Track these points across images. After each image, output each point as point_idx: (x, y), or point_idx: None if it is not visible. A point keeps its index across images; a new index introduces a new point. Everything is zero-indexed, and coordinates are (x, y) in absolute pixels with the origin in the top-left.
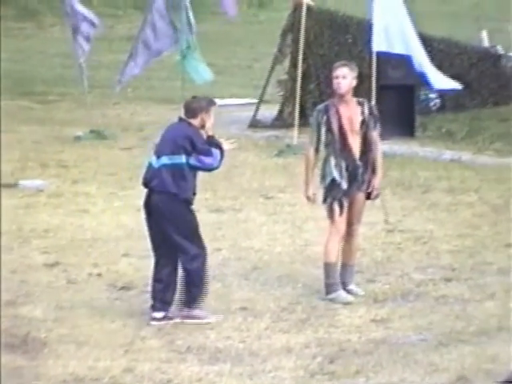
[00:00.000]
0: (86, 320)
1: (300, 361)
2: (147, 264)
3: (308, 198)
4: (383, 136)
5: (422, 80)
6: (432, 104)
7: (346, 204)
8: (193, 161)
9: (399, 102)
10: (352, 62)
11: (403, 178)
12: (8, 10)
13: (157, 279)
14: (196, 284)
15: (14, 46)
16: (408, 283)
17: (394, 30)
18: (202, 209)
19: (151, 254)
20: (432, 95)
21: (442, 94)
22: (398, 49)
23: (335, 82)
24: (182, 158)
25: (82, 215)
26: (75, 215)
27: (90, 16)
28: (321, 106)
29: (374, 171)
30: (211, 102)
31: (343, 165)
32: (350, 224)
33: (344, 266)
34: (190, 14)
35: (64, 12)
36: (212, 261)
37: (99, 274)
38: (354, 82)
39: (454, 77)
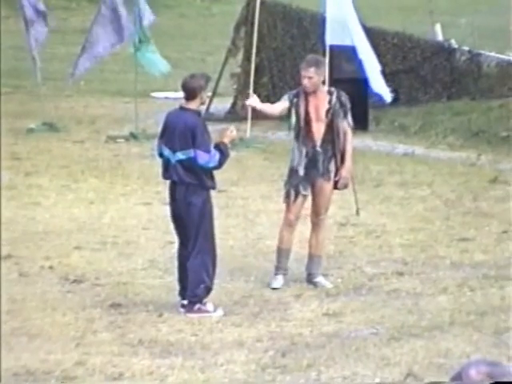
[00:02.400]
0: (38, 313)
1: (252, 354)
2: (99, 257)
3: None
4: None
5: (363, 76)
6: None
7: (303, 191)
8: (192, 153)
9: (352, 95)
10: (319, 57)
11: (356, 172)
12: None
13: (180, 267)
14: (203, 278)
15: None
16: (360, 277)
17: (346, 24)
18: (155, 202)
19: (103, 247)
20: None
21: (396, 87)
22: (350, 41)
23: (302, 81)
24: (191, 153)
25: (35, 208)
26: (27, 208)
27: (43, 10)
28: (293, 91)
29: (342, 161)
30: (208, 78)
31: (303, 151)
32: (316, 214)
33: (311, 256)
34: (146, 7)
35: (18, 4)
36: (164, 254)
37: (51, 267)
38: (322, 77)
39: (407, 71)
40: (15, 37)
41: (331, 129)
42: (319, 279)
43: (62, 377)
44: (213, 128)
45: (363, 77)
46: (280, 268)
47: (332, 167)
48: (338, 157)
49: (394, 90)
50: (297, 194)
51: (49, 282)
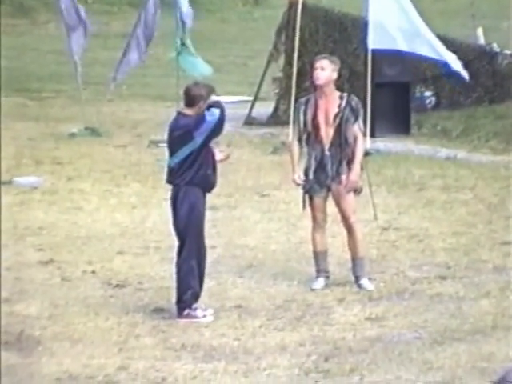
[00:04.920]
0: (81, 318)
1: (295, 359)
2: (142, 261)
3: (294, 181)
4: (379, 133)
5: (443, 65)
6: (427, 102)
7: (317, 194)
8: (194, 144)
9: (394, 99)
10: (334, 56)
11: (398, 176)
12: (2, 6)
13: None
14: (188, 284)
15: (8, 43)
16: (403, 281)
17: (390, 26)
18: None
19: (146, 251)
20: (427, 93)
21: (438, 91)
22: (394, 45)
23: (314, 73)
24: (189, 147)
25: (77, 212)
26: (70, 212)
27: (84, 15)
28: (302, 99)
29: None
30: (211, 90)
31: (313, 155)
32: (345, 219)
33: (353, 259)
34: (189, 11)
35: (59, 9)
36: (207, 258)
37: (94, 272)
38: (335, 75)
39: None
40: (56, 41)
41: (339, 133)
42: (363, 281)
43: (105, 381)
44: (255, 132)
45: (405, 81)
46: (320, 271)
47: (342, 170)
48: (348, 160)
49: (436, 94)
50: (311, 198)
51: (91, 287)
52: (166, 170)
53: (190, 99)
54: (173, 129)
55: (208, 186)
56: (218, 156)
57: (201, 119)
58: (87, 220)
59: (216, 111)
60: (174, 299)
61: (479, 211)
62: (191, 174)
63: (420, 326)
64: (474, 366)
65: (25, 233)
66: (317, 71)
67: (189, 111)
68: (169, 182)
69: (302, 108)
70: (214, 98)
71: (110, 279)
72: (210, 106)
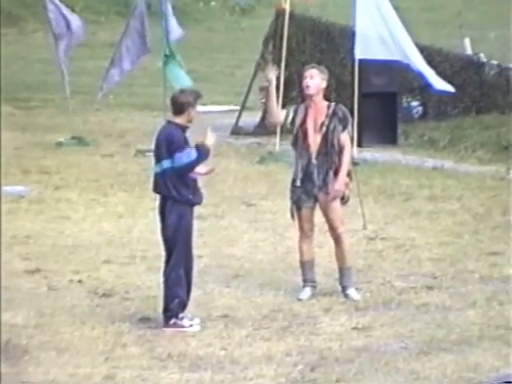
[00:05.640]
0: (67, 327)
1: (281, 369)
2: (128, 271)
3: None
4: (366, 143)
5: (423, 80)
6: (414, 112)
7: (305, 204)
8: (171, 162)
9: (381, 109)
10: (321, 66)
11: (385, 186)
12: None
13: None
14: (175, 294)
15: None
16: (389, 291)
17: (377, 37)
18: None
19: (132, 261)
20: (414, 103)
21: (425, 101)
22: (381, 55)
23: (304, 82)
24: (168, 162)
25: (64, 222)
26: (56, 221)
27: (73, 20)
28: (295, 106)
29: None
30: (198, 96)
31: (300, 164)
32: (332, 229)
33: (340, 269)
34: (174, 21)
35: (46, 18)
36: (194, 268)
37: (80, 281)
38: (324, 84)
39: None
40: (43, 51)
41: (326, 142)
42: (349, 291)
43: None
44: (242, 142)
45: (392, 91)
46: (307, 280)
47: (329, 180)
48: (335, 170)
49: (423, 104)
50: (299, 208)
51: (78, 296)
52: (152, 179)
53: (178, 107)
54: (160, 136)
55: (193, 204)
56: (203, 169)
57: (178, 148)
58: (74, 229)
59: (193, 155)
60: (160, 308)
61: (466, 221)
62: (175, 193)
63: (406, 336)
64: (460, 377)
65: (11, 242)
66: (306, 80)
67: (178, 119)
68: (155, 190)
69: (292, 109)
70: (208, 133)
71: (96, 288)
72: (197, 147)
